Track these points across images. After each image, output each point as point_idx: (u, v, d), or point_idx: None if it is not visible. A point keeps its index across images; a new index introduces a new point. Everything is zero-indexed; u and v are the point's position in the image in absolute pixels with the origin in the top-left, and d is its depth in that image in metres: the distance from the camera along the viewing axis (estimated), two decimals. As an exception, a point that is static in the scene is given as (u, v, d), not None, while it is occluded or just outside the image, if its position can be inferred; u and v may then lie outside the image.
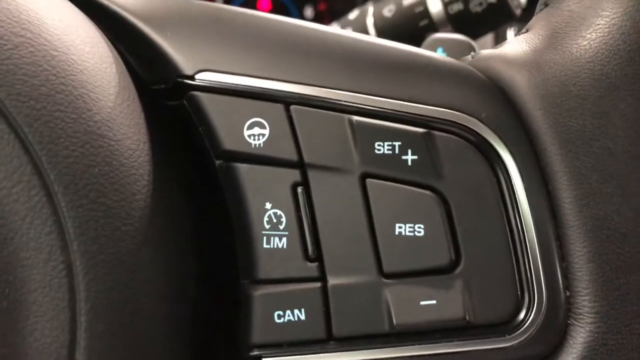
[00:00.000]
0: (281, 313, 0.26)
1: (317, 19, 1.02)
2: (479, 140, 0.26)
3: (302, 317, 0.25)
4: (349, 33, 0.30)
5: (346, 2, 0.99)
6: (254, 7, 1.01)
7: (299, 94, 0.27)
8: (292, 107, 0.27)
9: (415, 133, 0.26)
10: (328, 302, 0.26)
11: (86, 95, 0.24)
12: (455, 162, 0.26)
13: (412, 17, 0.51)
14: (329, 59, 0.28)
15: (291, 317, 0.25)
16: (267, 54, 0.28)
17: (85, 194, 0.22)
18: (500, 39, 0.75)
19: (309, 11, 1.02)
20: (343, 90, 0.27)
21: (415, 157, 0.26)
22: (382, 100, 0.27)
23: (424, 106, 0.26)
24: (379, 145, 0.26)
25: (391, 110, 0.26)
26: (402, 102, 0.27)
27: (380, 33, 0.53)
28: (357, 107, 0.27)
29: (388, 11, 0.52)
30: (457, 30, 0.50)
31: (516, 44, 0.29)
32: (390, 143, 0.26)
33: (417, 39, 0.48)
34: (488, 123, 0.26)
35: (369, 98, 0.27)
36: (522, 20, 0.55)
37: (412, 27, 0.52)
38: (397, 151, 0.26)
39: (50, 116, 0.22)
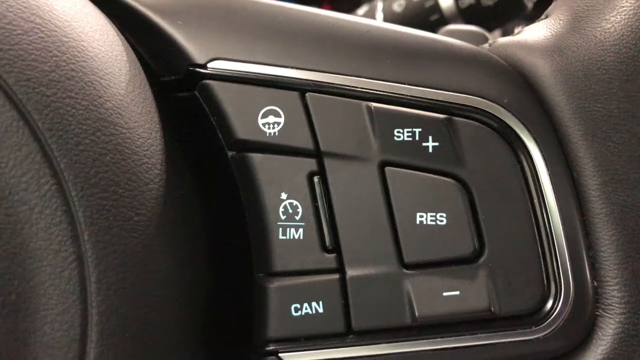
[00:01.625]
0: (298, 306, 0.25)
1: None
2: (501, 127, 0.25)
3: (320, 310, 0.25)
4: (364, 20, 0.29)
5: (351, 4, 0.99)
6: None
7: (314, 81, 0.26)
8: (308, 95, 0.26)
9: (436, 119, 0.25)
10: (347, 294, 0.25)
11: (97, 82, 0.23)
12: (477, 149, 0.25)
13: (423, 11, 0.51)
14: (345, 46, 0.27)
15: (308, 310, 0.25)
16: (281, 41, 0.27)
17: (97, 183, 0.22)
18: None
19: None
20: (360, 77, 0.26)
21: (436, 143, 0.25)
22: (401, 87, 0.26)
23: (444, 92, 0.26)
24: (398, 132, 0.25)
25: (411, 96, 0.26)
26: (421, 88, 0.26)
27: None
28: (376, 93, 0.26)
29: (398, 6, 0.52)
30: (468, 24, 0.49)
31: (536, 29, 0.28)
32: (410, 130, 0.25)
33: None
34: (510, 109, 0.25)
35: (387, 84, 0.26)
36: (532, 18, 0.54)
37: (422, 22, 0.51)
38: (417, 138, 0.25)
39: (60, 103, 0.22)
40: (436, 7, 0.51)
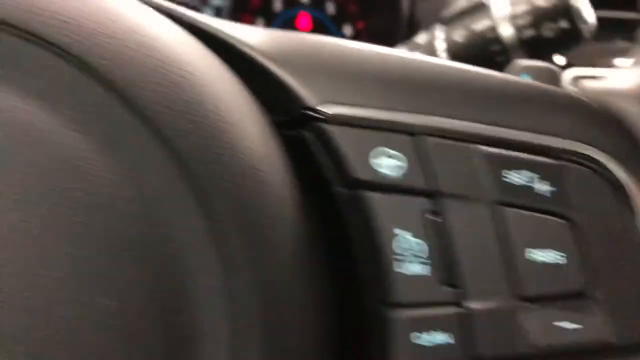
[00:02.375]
0: (419, 335, 0.26)
1: (356, 37, 1.03)
2: (607, 174, 0.27)
3: (442, 340, 0.26)
4: (460, 65, 0.31)
5: (385, 21, 1.01)
6: (293, 26, 1.02)
7: (426, 125, 0.28)
8: (421, 137, 0.28)
9: (547, 164, 0.27)
10: (468, 326, 0.26)
11: (237, 134, 0.25)
12: (587, 194, 0.27)
13: (484, 41, 0.53)
14: (450, 90, 0.29)
15: (431, 341, 0.26)
16: (389, 85, 0.29)
17: (244, 228, 0.24)
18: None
19: (348, 29, 1.03)
20: (469, 120, 0.28)
21: (549, 187, 0.27)
22: (509, 132, 0.28)
23: (551, 137, 0.28)
24: (511, 175, 0.27)
25: (520, 141, 0.28)
26: (529, 133, 0.28)
27: (451, 57, 0.54)
28: (486, 137, 0.28)
29: (459, 36, 0.54)
30: (528, 54, 0.51)
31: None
32: (522, 173, 0.27)
33: (487, 63, 0.50)
34: (615, 157, 0.27)
35: (496, 129, 0.28)
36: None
37: (483, 51, 0.53)
38: (530, 181, 0.27)
39: (214, 154, 0.24)
40: (498, 38, 0.53)
